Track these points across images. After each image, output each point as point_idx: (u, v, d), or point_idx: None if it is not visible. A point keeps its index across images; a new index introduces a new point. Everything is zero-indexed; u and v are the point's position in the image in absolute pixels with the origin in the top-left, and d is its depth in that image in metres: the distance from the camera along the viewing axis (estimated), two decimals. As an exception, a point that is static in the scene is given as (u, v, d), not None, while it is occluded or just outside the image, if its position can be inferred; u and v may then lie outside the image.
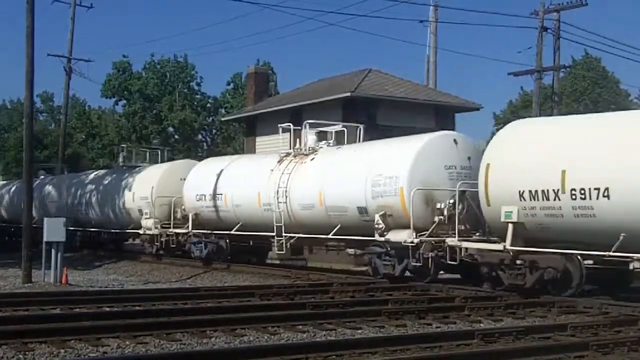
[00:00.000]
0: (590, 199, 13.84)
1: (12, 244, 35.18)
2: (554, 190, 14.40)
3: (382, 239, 17.90)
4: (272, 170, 21.64)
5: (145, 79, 64.41)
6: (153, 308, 13.42)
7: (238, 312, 12.61)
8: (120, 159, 35.00)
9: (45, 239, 19.80)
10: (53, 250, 19.76)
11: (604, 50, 75.18)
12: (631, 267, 13.71)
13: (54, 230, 19.86)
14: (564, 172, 14.30)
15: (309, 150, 21.42)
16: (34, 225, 21.62)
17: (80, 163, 59.31)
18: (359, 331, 11.33)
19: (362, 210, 18.49)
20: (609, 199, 13.60)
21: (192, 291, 16.61)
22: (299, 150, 21.79)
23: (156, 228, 26.47)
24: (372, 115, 28.58)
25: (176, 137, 65.20)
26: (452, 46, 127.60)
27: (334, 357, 9.06)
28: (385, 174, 17.98)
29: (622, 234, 13.32)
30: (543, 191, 14.59)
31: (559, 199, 14.32)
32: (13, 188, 39.84)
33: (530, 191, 14.81)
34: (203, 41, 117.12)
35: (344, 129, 22.11)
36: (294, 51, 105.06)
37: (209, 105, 66.97)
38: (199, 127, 65.20)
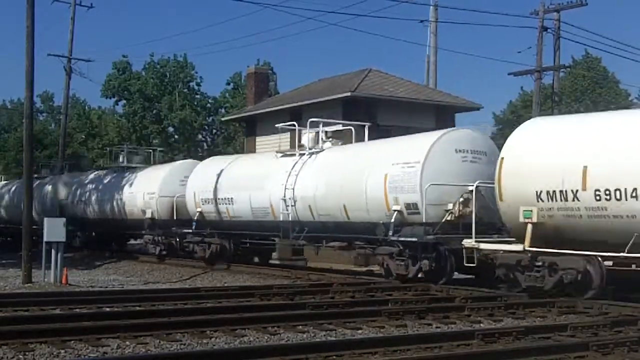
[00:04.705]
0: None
1: (12, 244, 35.19)
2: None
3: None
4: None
5: (145, 78, 64.37)
6: (153, 308, 13.42)
7: (238, 312, 12.57)
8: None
9: (45, 239, 19.80)
10: (53, 250, 19.76)
11: (604, 50, 75.39)
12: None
13: (54, 230, 19.84)
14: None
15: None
16: (34, 226, 21.58)
17: (80, 163, 59.30)
18: (359, 331, 11.32)
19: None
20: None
21: (192, 291, 16.59)
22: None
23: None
24: (372, 115, 28.55)
25: (176, 137, 65.17)
26: (452, 46, 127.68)
27: (334, 357, 9.04)
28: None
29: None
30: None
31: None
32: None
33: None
34: (203, 41, 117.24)
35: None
36: (294, 51, 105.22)
37: (209, 105, 66.93)
38: (199, 127, 65.14)
